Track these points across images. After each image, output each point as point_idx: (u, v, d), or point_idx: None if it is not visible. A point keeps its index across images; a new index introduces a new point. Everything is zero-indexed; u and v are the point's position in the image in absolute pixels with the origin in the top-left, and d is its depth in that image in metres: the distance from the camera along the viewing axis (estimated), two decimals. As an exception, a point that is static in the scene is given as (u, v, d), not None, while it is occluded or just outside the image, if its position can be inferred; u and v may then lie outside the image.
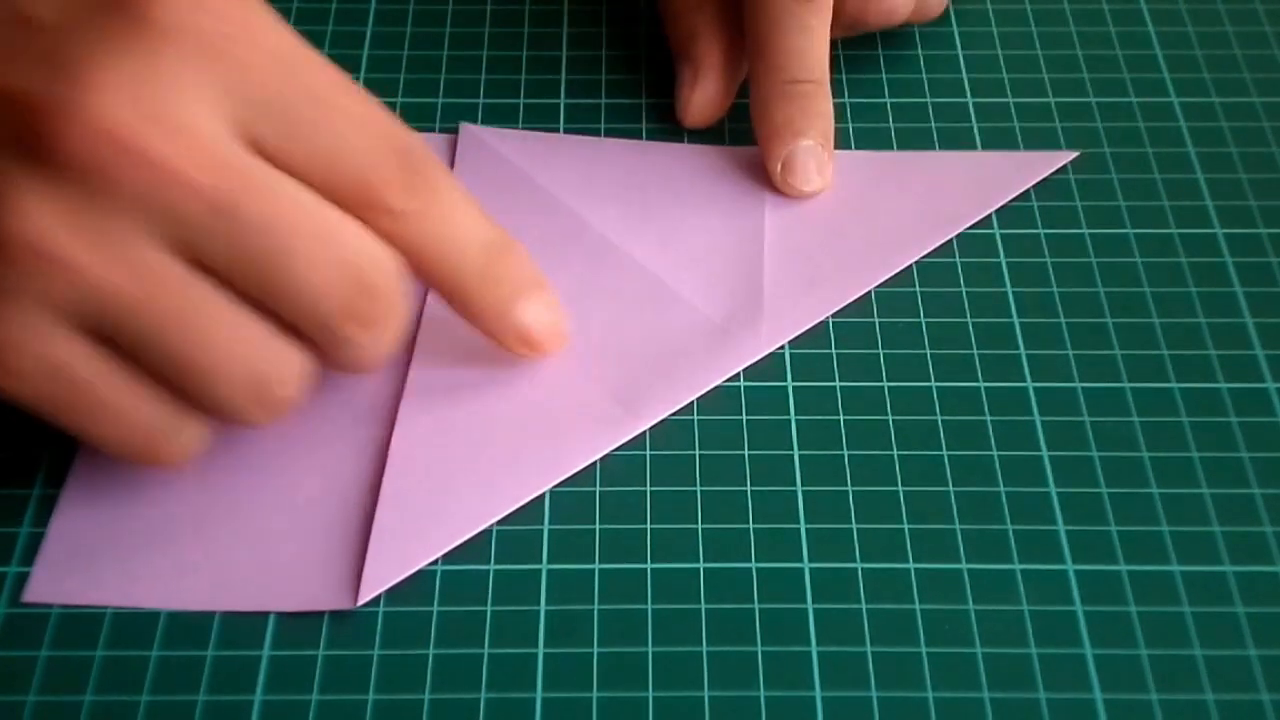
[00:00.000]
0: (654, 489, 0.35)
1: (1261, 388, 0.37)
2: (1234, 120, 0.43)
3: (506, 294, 0.35)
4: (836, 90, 0.43)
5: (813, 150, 0.40)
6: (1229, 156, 0.42)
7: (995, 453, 0.35)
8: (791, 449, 0.36)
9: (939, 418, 0.36)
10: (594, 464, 0.35)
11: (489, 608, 0.32)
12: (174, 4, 0.29)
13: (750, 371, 0.37)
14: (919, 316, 0.38)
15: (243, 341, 0.30)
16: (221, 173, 0.29)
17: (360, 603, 0.32)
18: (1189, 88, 0.44)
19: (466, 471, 0.34)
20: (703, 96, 0.42)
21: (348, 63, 0.44)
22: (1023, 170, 0.42)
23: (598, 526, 0.34)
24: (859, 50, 0.45)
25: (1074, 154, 0.42)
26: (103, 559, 0.33)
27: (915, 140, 0.43)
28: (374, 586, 0.32)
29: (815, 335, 0.38)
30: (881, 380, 0.37)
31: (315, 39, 0.45)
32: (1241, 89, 0.44)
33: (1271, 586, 0.33)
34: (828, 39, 0.41)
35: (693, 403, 0.36)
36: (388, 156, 0.32)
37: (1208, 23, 0.46)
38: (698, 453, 0.36)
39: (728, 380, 0.37)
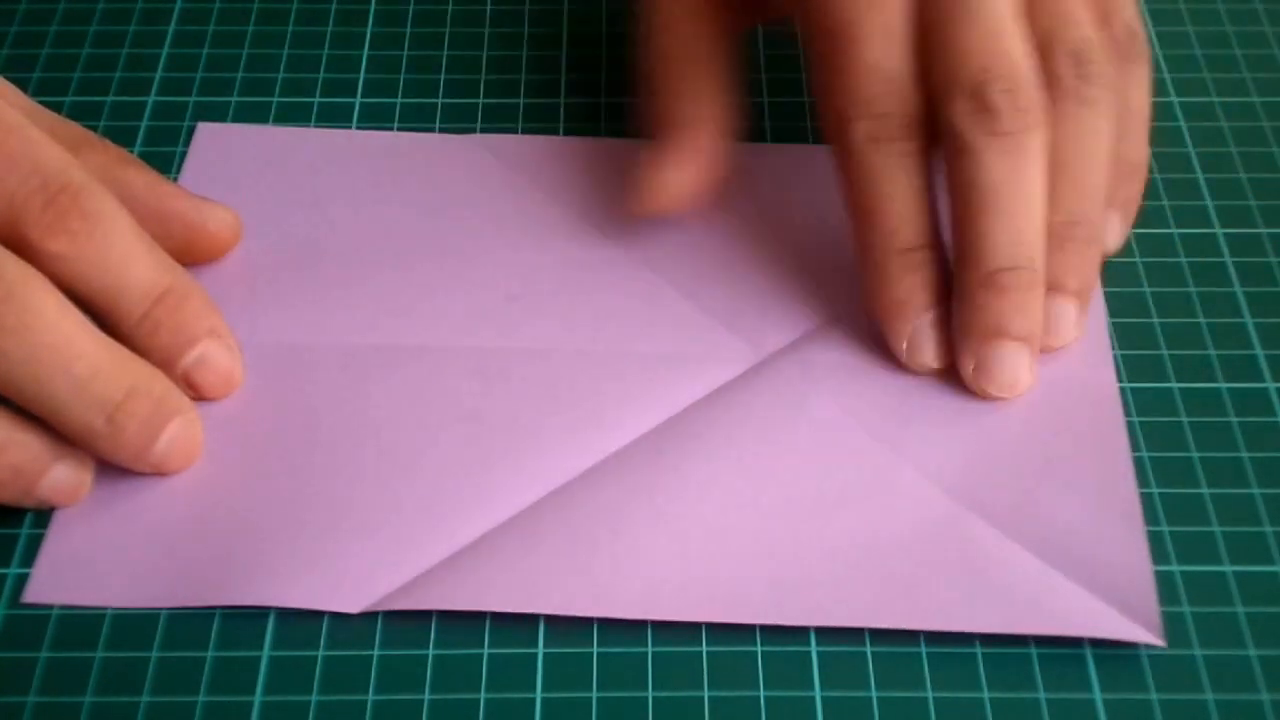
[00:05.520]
0: (654, 489, 0.35)
1: (1261, 387, 0.37)
2: (1234, 120, 0.43)
3: (166, 341, 0.34)
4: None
5: (1018, 352, 0.34)
6: (1229, 156, 0.42)
7: (995, 453, 0.35)
8: (791, 449, 0.35)
9: (939, 418, 0.36)
10: (592, 464, 0.35)
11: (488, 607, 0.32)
12: None
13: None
14: (919, 316, 0.38)
15: None
16: None
17: (363, 608, 0.32)
18: (1189, 88, 0.44)
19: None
20: (679, 180, 0.36)
21: (348, 63, 0.45)
22: None
23: (598, 527, 0.34)
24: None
25: None
26: (102, 559, 0.33)
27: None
28: (373, 595, 0.32)
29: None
30: (881, 380, 0.37)
31: (315, 39, 0.45)
32: (1241, 89, 0.44)
33: (1271, 586, 0.33)
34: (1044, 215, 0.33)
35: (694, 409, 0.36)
36: (33, 195, 0.32)
37: (1208, 23, 0.46)
38: (698, 453, 0.35)
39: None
